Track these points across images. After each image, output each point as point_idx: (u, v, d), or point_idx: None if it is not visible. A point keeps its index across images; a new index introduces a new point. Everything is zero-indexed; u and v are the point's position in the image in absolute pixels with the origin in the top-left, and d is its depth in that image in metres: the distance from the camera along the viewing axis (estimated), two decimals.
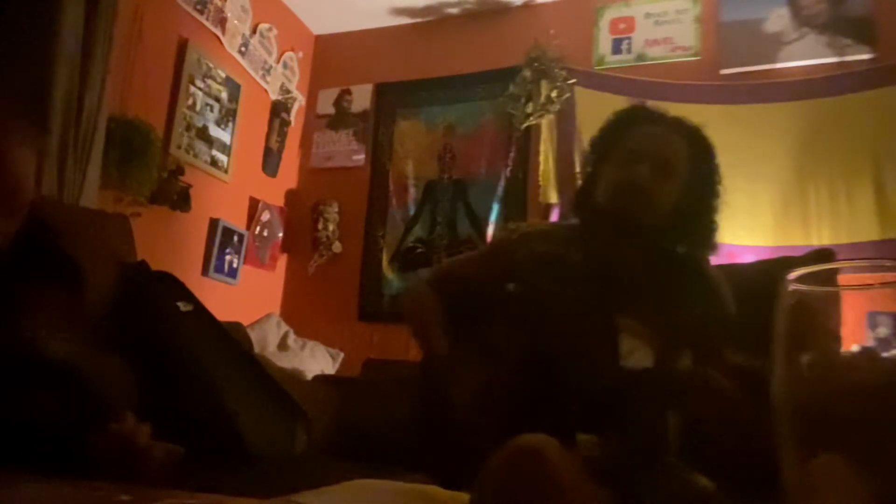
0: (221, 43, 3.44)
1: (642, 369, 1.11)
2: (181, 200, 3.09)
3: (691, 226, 1.26)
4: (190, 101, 3.22)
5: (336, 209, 3.85)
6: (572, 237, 1.33)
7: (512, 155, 3.56)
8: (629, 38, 3.52)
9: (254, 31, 3.68)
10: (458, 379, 1.20)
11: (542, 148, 3.43)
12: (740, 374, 0.99)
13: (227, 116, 3.46)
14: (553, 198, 3.37)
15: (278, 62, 3.89)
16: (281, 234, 3.88)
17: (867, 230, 2.88)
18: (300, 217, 3.90)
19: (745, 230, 3.06)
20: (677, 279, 1.22)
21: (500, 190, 3.57)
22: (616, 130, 1.34)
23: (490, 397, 1.16)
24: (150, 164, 2.89)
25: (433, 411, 1.25)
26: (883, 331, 0.34)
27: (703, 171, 1.28)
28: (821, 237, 2.92)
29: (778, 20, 3.24)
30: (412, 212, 3.78)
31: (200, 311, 1.73)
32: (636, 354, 1.13)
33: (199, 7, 3.28)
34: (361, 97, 4.03)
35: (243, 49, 3.60)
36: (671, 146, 1.26)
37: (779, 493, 0.35)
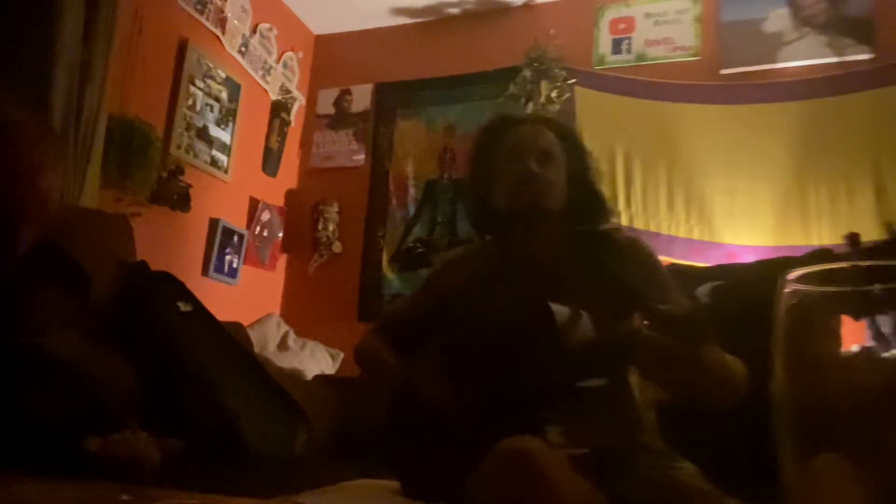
0: (221, 43, 3.44)
1: (585, 346, 1.16)
2: (181, 200, 3.09)
3: (584, 203, 1.36)
4: (190, 101, 3.22)
5: (336, 209, 3.86)
6: (489, 251, 1.42)
7: None
8: (629, 38, 3.52)
9: (254, 31, 3.69)
10: (420, 391, 1.26)
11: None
12: (669, 320, 1.01)
13: (227, 116, 3.46)
14: None
15: (278, 62, 3.89)
16: (281, 234, 3.88)
17: (867, 230, 2.87)
18: (300, 217, 3.90)
19: (745, 230, 3.06)
20: (595, 255, 1.30)
21: None
22: (489, 143, 1.43)
23: (456, 406, 1.21)
24: (150, 164, 2.90)
25: (404, 424, 1.31)
26: (883, 331, 0.34)
27: (576, 154, 1.39)
28: (821, 237, 2.92)
29: (778, 20, 3.24)
30: (412, 212, 3.78)
31: (200, 311, 1.74)
32: (577, 333, 1.18)
33: (199, 7, 3.28)
34: (361, 97, 4.03)
35: (243, 49, 3.61)
36: (544, 138, 1.37)
37: (777, 493, 0.35)
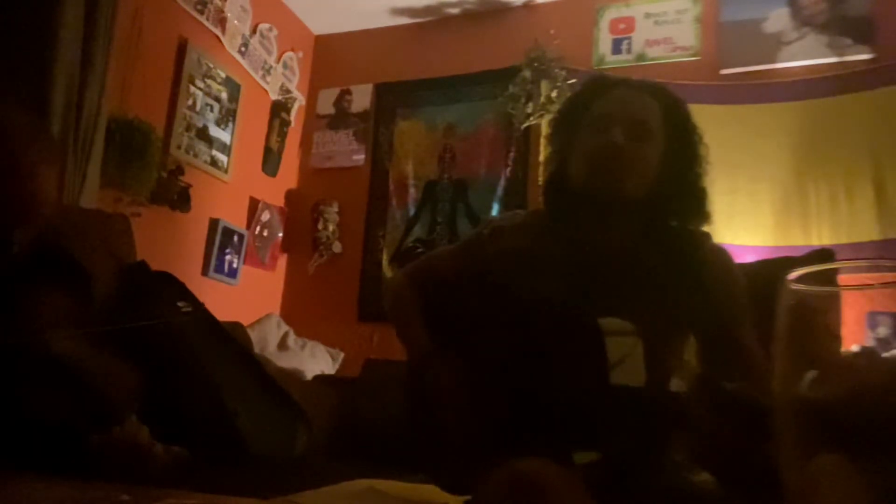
0: (221, 43, 3.44)
1: (633, 388, 1.01)
2: (181, 200, 3.09)
3: (678, 194, 1.13)
4: (190, 101, 3.22)
5: (336, 209, 3.86)
6: (549, 227, 1.20)
7: (512, 155, 3.56)
8: (629, 38, 3.52)
9: (254, 31, 3.68)
10: (442, 381, 1.12)
11: (542, 148, 3.43)
12: (737, 401, 0.93)
13: (227, 116, 3.46)
14: None
15: (278, 62, 3.89)
16: (281, 234, 3.88)
17: (867, 230, 2.88)
18: (300, 217, 3.90)
19: (745, 230, 3.06)
20: (670, 259, 1.10)
21: (500, 190, 3.57)
22: (579, 103, 1.21)
23: (475, 401, 1.08)
24: (150, 164, 2.89)
25: (421, 414, 1.18)
26: (883, 331, 0.35)
27: (681, 133, 1.16)
28: (821, 237, 2.92)
29: (778, 20, 3.24)
30: (412, 212, 3.77)
31: (200, 311, 1.73)
32: (626, 362, 1.03)
33: (199, 7, 3.28)
34: (361, 97, 4.03)
35: (243, 49, 3.60)
36: (643, 107, 1.14)
37: (779, 493, 0.35)
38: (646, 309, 1.04)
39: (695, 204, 1.15)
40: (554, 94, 3.39)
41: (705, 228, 1.17)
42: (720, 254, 1.15)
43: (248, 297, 3.58)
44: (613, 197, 1.11)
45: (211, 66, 3.35)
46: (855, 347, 0.35)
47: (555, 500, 0.82)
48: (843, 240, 2.88)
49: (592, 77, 1.29)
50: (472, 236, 1.29)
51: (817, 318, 0.36)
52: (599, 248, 1.13)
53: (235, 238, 3.52)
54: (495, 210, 3.55)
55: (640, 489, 0.99)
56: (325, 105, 4.11)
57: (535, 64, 3.44)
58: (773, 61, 3.21)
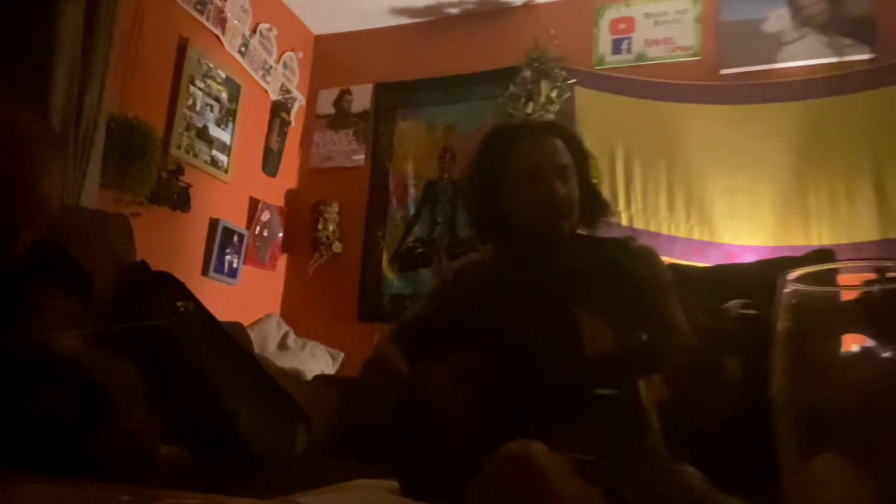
0: (221, 43, 3.44)
1: (606, 354, 1.17)
2: (181, 200, 3.09)
3: (588, 203, 1.37)
4: (190, 101, 3.22)
5: (336, 209, 3.86)
6: (503, 259, 1.40)
7: None
8: (629, 38, 3.52)
9: (254, 31, 3.69)
10: (429, 395, 1.23)
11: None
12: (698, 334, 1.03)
13: (227, 116, 3.46)
14: None
15: (278, 62, 3.89)
16: (281, 234, 3.88)
17: (867, 230, 2.88)
18: (300, 217, 3.91)
19: (745, 230, 3.06)
20: (612, 261, 1.31)
21: None
22: (500, 154, 1.39)
23: (464, 408, 1.18)
24: (150, 164, 2.90)
25: (412, 427, 1.28)
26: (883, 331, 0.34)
27: (581, 158, 1.39)
28: (821, 237, 2.92)
29: (778, 20, 3.24)
30: (412, 212, 3.78)
31: (200, 311, 1.73)
32: (599, 340, 1.18)
33: (199, 7, 3.28)
34: (361, 97, 4.03)
35: (243, 49, 3.61)
36: (560, 152, 1.35)
37: (777, 492, 0.35)
38: (603, 302, 1.22)
39: (597, 207, 1.40)
40: (554, 94, 3.39)
41: (623, 233, 1.46)
42: (646, 250, 1.38)
43: (248, 297, 3.58)
44: (560, 234, 1.32)
45: (211, 66, 3.35)
46: (855, 347, 0.35)
47: (544, 475, 0.87)
48: (843, 240, 2.88)
49: (504, 125, 1.52)
50: (436, 285, 1.51)
51: (817, 318, 0.36)
52: (552, 266, 1.32)
53: (235, 238, 3.52)
54: None
55: (626, 470, 1.04)
56: (325, 105, 4.11)
57: (536, 64, 3.44)
58: (773, 61, 3.21)
